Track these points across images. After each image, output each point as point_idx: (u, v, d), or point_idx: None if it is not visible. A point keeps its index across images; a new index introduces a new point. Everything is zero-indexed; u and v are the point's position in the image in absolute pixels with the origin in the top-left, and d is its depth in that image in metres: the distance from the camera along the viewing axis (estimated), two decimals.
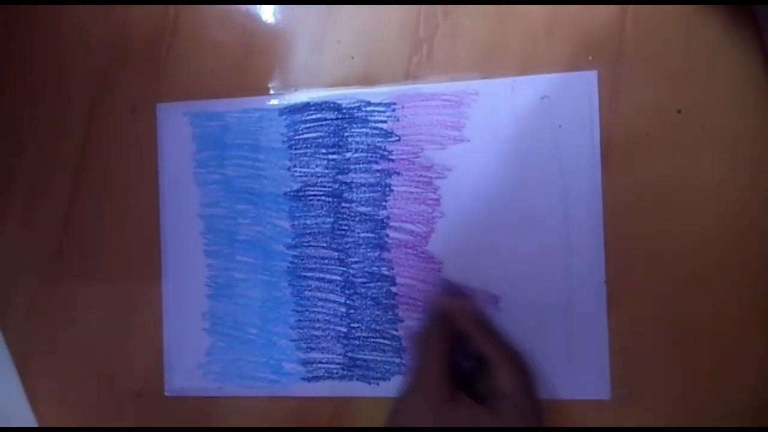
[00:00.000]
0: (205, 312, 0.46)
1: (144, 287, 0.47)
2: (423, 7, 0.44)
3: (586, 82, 0.41)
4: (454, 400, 0.37)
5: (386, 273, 0.44)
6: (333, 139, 0.45)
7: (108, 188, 0.48)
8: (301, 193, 0.45)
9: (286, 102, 0.45)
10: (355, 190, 0.44)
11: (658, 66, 0.41)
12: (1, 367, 0.49)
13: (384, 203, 0.44)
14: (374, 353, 0.44)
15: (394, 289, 0.44)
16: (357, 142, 0.44)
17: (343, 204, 0.45)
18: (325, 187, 0.45)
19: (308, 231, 0.45)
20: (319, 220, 0.45)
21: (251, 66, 0.46)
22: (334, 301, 0.45)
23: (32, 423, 0.49)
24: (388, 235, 0.44)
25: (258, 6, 0.46)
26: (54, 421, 0.49)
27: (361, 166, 0.44)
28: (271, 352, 0.45)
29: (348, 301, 0.44)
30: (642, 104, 0.41)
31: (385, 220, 0.44)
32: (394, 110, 0.44)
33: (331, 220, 0.45)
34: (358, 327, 0.44)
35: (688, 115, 0.40)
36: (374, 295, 0.44)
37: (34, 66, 0.50)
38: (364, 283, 0.44)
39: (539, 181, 0.42)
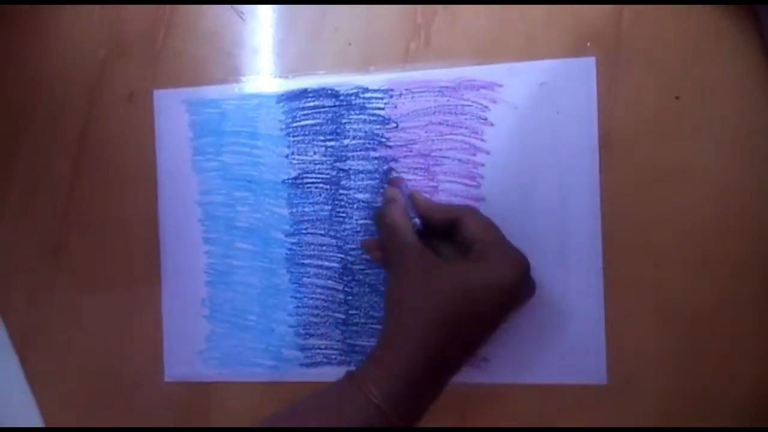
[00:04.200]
0: (204, 299, 0.47)
1: (143, 274, 0.47)
2: None
3: (585, 68, 0.41)
4: (441, 263, 0.37)
5: None
6: (331, 126, 0.45)
7: (106, 176, 0.48)
8: (299, 181, 0.45)
9: (283, 89, 0.45)
10: (353, 177, 0.44)
11: (657, 52, 0.40)
12: (3, 355, 0.50)
13: (382, 190, 0.44)
14: (372, 339, 0.44)
15: None
16: (355, 129, 0.44)
17: (341, 191, 0.45)
18: (323, 174, 0.45)
19: (306, 218, 0.45)
20: (317, 207, 0.45)
21: (248, 53, 0.46)
22: (333, 288, 0.45)
23: (33, 409, 0.49)
24: None
25: None
26: (54, 406, 0.49)
27: (359, 153, 0.44)
28: (270, 338, 0.46)
29: (346, 288, 0.45)
30: (640, 91, 0.41)
31: None
32: (391, 97, 0.44)
33: (329, 207, 0.45)
34: (357, 313, 0.45)
35: (686, 101, 0.40)
36: (372, 282, 0.44)
37: (31, 56, 0.50)
38: (363, 269, 0.44)
39: (537, 167, 0.42)
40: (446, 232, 0.39)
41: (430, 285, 0.36)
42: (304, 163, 0.45)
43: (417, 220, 0.39)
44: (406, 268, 0.37)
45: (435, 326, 0.35)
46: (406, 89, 0.43)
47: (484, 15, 0.43)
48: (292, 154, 0.45)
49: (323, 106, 0.45)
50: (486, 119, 0.42)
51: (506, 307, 0.37)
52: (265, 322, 0.46)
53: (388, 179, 0.43)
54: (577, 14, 0.41)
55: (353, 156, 0.44)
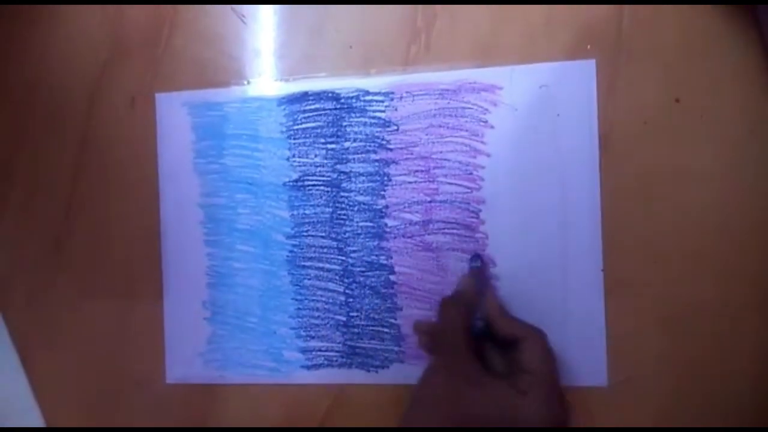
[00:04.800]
0: (205, 301, 0.47)
1: (145, 276, 0.48)
2: None
3: (585, 71, 0.41)
4: (483, 378, 0.36)
5: (385, 262, 0.44)
6: (331, 129, 0.45)
7: (108, 179, 0.48)
8: (300, 183, 0.45)
9: (284, 92, 0.45)
10: (353, 179, 0.44)
11: (657, 55, 0.41)
12: (4, 355, 0.50)
13: (383, 192, 0.44)
14: (373, 341, 0.44)
15: (392, 277, 0.44)
16: (355, 132, 0.44)
17: (342, 193, 0.45)
18: (323, 176, 0.45)
19: (307, 220, 0.45)
20: (318, 209, 0.45)
21: (249, 55, 0.46)
22: (333, 290, 0.45)
23: (33, 409, 0.49)
24: (386, 224, 0.44)
25: None
26: (56, 407, 0.49)
27: (359, 155, 0.44)
28: (271, 340, 0.46)
29: (347, 290, 0.45)
30: (640, 93, 0.41)
31: (383, 210, 0.44)
32: (392, 99, 0.44)
33: (330, 209, 0.45)
34: (357, 315, 0.45)
35: (686, 103, 0.40)
36: (373, 284, 0.44)
37: (33, 58, 0.50)
38: (363, 272, 0.44)
39: (537, 169, 0.42)
40: (505, 343, 0.38)
41: (458, 399, 0.36)
42: (305, 166, 0.45)
43: (479, 323, 0.39)
44: (446, 370, 0.37)
45: None
46: (407, 92, 0.44)
47: (484, 18, 0.43)
48: (293, 156, 0.45)
49: (324, 109, 0.45)
50: (486, 122, 0.42)
51: None
52: (266, 324, 0.46)
53: (470, 266, 0.42)
54: (577, 16, 0.41)
55: (354, 158, 0.44)
